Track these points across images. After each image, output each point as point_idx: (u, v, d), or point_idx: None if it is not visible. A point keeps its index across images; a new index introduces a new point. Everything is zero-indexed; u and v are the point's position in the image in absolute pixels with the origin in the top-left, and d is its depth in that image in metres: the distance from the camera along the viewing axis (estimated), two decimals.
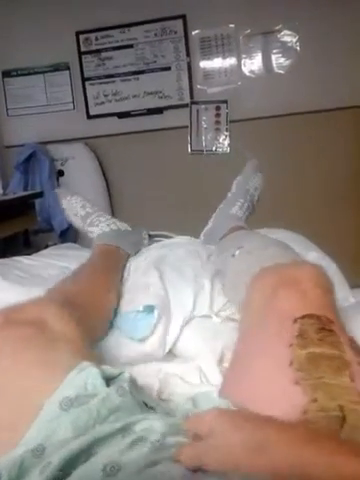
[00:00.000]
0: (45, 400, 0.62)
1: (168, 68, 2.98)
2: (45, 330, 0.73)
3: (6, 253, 1.76)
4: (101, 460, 0.53)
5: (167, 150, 3.02)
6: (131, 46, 3.00)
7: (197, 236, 1.49)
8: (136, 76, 3.02)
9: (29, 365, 0.67)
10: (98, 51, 3.04)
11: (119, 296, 1.13)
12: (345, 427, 0.55)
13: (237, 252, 1.09)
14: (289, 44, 2.83)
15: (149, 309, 1.01)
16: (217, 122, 2.97)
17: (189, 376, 0.91)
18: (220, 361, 0.94)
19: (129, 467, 0.52)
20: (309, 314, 0.72)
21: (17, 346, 0.69)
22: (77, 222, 1.47)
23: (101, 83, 3.07)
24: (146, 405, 0.67)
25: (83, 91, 3.09)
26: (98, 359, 0.74)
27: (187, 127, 2.99)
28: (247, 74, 2.92)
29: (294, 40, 2.82)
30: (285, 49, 2.84)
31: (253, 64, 2.90)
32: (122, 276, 1.21)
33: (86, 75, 3.08)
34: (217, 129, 2.98)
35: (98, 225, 1.41)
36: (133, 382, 0.68)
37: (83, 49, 3.05)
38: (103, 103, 3.08)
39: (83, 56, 3.06)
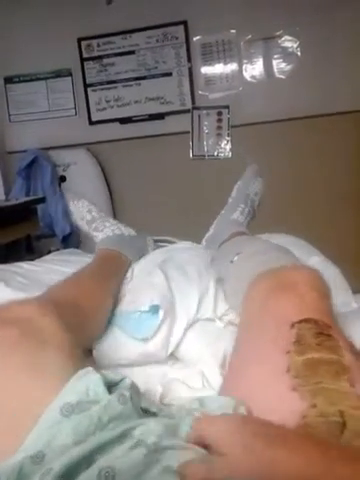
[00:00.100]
0: (34, 406, 0.61)
1: (169, 74, 2.99)
2: (32, 330, 0.71)
3: (8, 259, 1.76)
4: (98, 466, 0.53)
5: (169, 155, 3.03)
6: (133, 52, 3.01)
7: (199, 241, 1.49)
8: (138, 82, 3.03)
9: (17, 369, 0.66)
10: (100, 57, 3.05)
11: (119, 298, 1.12)
12: (345, 433, 0.55)
13: (236, 258, 1.09)
14: (290, 49, 2.84)
15: (154, 309, 1.00)
16: (219, 127, 2.98)
17: (191, 381, 0.91)
18: (222, 366, 0.93)
19: (124, 472, 0.51)
20: (306, 318, 0.71)
21: (5, 350, 0.67)
22: (83, 226, 1.49)
23: (103, 89, 3.08)
24: (148, 411, 0.67)
25: (85, 97, 3.11)
26: (91, 362, 0.73)
27: (189, 132, 3.00)
28: (248, 79, 2.92)
29: (295, 45, 2.83)
30: (286, 54, 2.85)
31: (254, 69, 2.91)
32: (122, 280, 1.20)
33: (88, 81, 3.09)
34: (219, 134, 2.99)
35: (103, 230, 1.42)
36: (134, 389, 0.68)
37: (85, 55, 3.07)
38: (105, 109, 3.09)
39: (85, 62, 3.07)
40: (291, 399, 0.60)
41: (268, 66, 2.88)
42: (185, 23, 2.91)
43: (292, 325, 0.70)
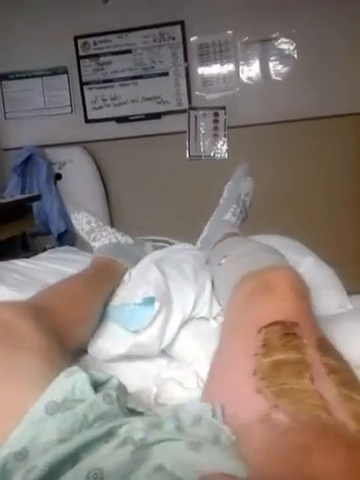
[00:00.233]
0: (6, 410, 0.61)
1: (166, 74, 2.99)
2: (6, 334, 0.71)
3: (4, 256, 1.76)
4: (85, 466, 0.53)
5: (165, 155, 3.03)
6: (129, 51, 3.01)
7: (195, 241, 1.49)
8: (134, 81, 3.03)
9: None
10: (96, 56, 3.05)
11: (114, 296, 1.13)
12: None
13: (223, 260, 1.10)
14: (286, 52, 2.86)
15: (148, 301, 1.00)
16: (215, 128, 2.99)
17: (186, 381, 0.91)
18: None
19: (113, 473, 0.51)
20: (275, 321, 0.72)
21: None
22: (84, 236, 1.52)
23: (99, 87, 3.08)
24: (134, 411, 0.67)
25: (81, 95, 3.10)
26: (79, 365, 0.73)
27: (185, 132, 3.01)
28: (245, 81, 2.94)
29: (291, 48, 2.85)
30: (282, 56, 2.87)
31: (251, 71, 2.92)
32: (117, 287, 1.20)
33: (84, 79, 3.09)
34: (215, 135, 3.00)
35: (100, 239, 1.43)
36: (121, 389, 0.68)
37: (81, 53, 3.07)
38: (101, 107, 3.09)
39: (81, 60, 3.07)
40: (257, 400, 0.61)
41: (265, 68, 2.90)
42: (182, 23, 2.92)
43: (259, 330, 0.71)
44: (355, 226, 2.88)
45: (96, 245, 1.44)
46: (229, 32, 2.89)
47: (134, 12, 2.93)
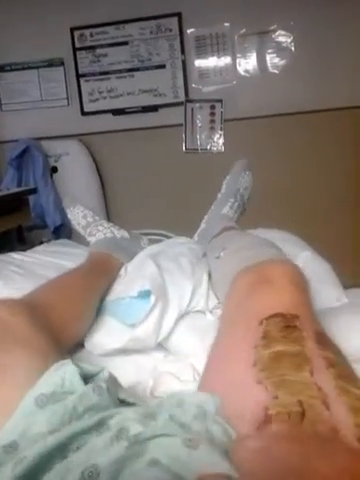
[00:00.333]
0: None
1: (163, 66, 2.98)
2: (3, 331, 0.71)
3: (0, 249, 1.76)
4: (79, 462, 0.52)
5: (162, 148, 3.02)
6: (126, 43, 2.99)
7: (191, 235, 1.49)
8: (131, 73, 3.02)
9: None
10: (93, 47, 3.03)
11: (111, 291, 1.13)
12: (305, 421, 0.57)
13: (221, 254, 1.10)
14: (284, 44, 2.85)
15: (144, 294, 1.00)
16: (212, 121, 2.98)
17: (182, 374, 0.92)
18: None
19: (107, 470, 0.51)
20: (275, 314, 0.72)
21: None
22: (80, 231, 1.52)
23: (96, 80, 3.06)
24: (125, 402, 0.67)
25: (78, 87, 3.09)
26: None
27: (182, 125, 3.00)
28: (242, 73, 2.93)
29: (289, 40, 2.84)
30: (280, 49, 2.86)
31: (248, 64, 2.91)
32: (113, 281, 1.20)
33: (81, 71, 3.07)
34: (212, 128, 2.99)
35: (95, 234, 1.43)
36: (112, 380, 0.68)
37: (78, 45, 3.05)
38: (98, 100, 3.08)
39: (78, 52, 3.05)
40: (257, 391, 0.62)
41: (262, 61, 2.89)
42: (179, 15, 2.90)
43: (261, 322, 0.72)
44: (353, 221, 2.89)
45: (92, 240, 1.44)
46: (226, 24, 2.88)
47: (131, 3, 2.91)
